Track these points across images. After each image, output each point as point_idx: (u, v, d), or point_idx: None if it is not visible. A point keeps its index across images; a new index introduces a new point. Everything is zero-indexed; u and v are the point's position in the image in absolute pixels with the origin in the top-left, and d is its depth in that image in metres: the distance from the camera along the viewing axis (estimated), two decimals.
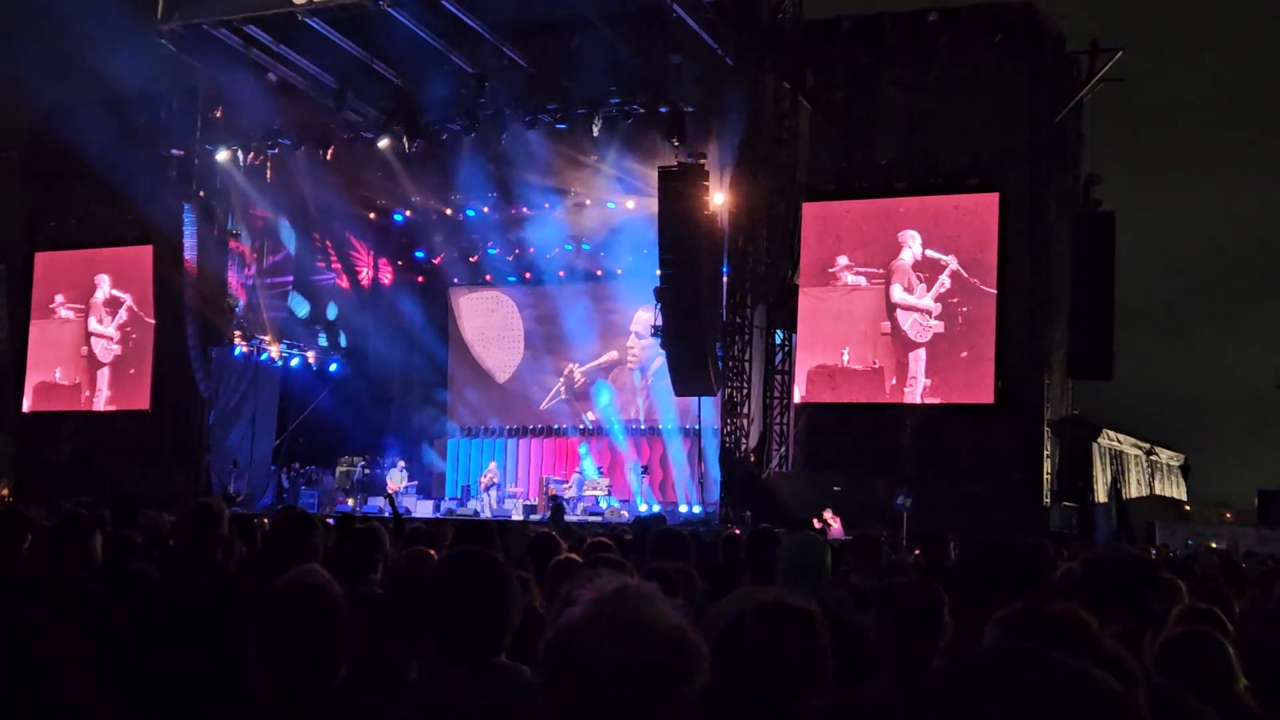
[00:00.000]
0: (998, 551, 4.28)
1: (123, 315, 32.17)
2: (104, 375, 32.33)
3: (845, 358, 26.35)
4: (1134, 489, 34.90)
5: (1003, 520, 22.08)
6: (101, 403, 32.32)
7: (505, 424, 35.55)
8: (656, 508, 30.00)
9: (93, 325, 32.57)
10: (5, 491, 31.23)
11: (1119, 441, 33.75)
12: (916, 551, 12.49)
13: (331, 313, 34.75)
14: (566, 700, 2.25)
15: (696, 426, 29.07)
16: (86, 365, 32.53)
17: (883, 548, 8.29)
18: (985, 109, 25.53)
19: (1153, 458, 40.47)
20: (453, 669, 3.39)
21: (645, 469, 31.56)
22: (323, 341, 34.63)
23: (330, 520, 12.35)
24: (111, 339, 32.26)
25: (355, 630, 3.55)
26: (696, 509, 29.00)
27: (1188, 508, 45.15)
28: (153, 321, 31.63)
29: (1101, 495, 29.30)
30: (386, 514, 24.80)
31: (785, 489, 26.14)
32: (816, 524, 22.49)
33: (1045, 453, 25.80)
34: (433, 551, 7.45)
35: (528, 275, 34.99)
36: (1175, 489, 45.12)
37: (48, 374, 32.99)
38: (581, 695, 2.23)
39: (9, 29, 28.49)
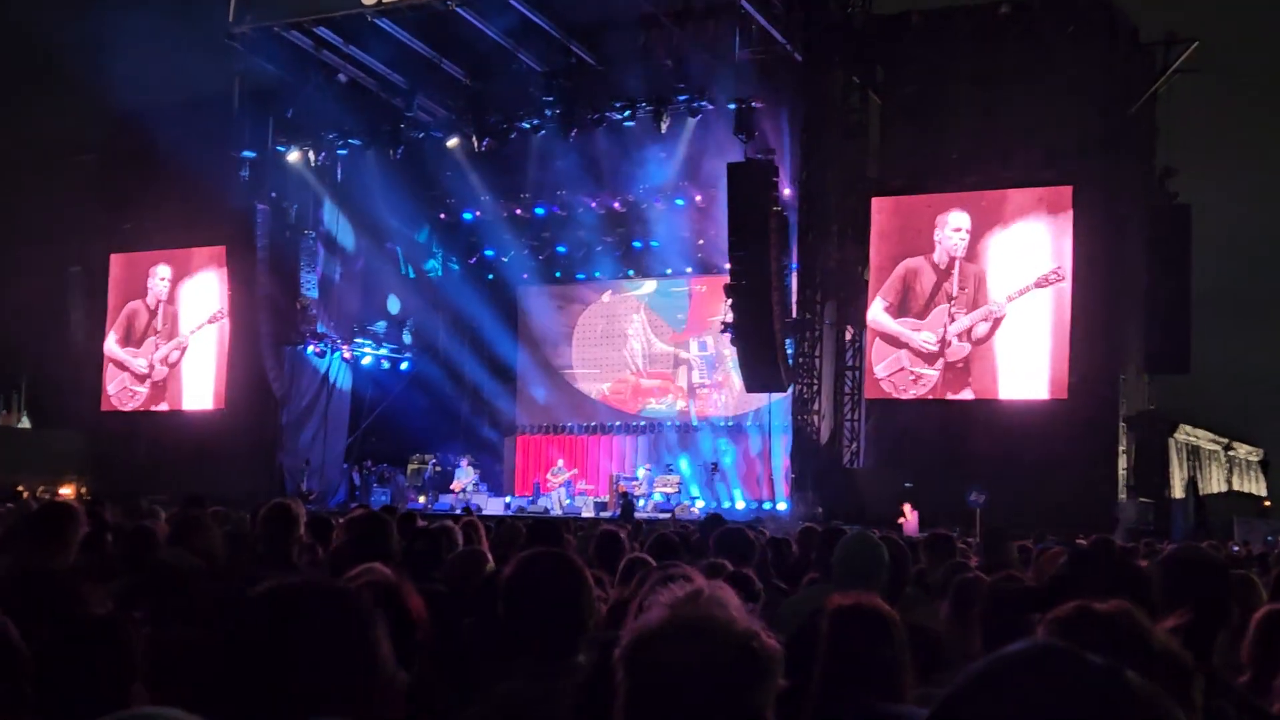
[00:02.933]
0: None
1: (197, 315, 32.52)
2: (178, 375, 32.71)
3: (916, 353, 26.17)
4: (1212, 485, 34.44)
5: (1077, 517, 21.86)
6: (176, 402, 32.70)
7: (575, 421, 35.62)
8: (727, 504, 30.01)
9: (167, 326, 32.94)
10: (84, 490, 31.67)
11: (1196, 436, 33.30)
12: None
13: (401, 311, 34.94)
14: (643, 705, 2.26)
15: (767, 423, 29.01)
16: (161, 365, 32.92)
17: (957, 546, 8.14)
18: (1058, 102, 25.25)
19: (1231, 453, 39.90)
20: (529, 668, 3.39)
21: (715, 466, 31.51)
22: (394, 340, 34.85)
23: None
24: (185, 339, 32.63)
25: (426, 628, 3.55)
26: (767, 505, 28.94)
27: (1267, 504, 44.46)
28: (226, 321, 31.95)
29: (1178, 491, 28.95)
30: (459, 510, 24.96)
31: (857, 485, 26.02)
32: (900, 520, 22.41)
33: (1120, 448, 25.49)
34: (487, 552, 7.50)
35: (597, 274, 35.06)
36: (1254, 484, 44.42)
37: (123, 374, 33.43)
38: (657, 700, 2.23)
39: (83, 35, 28.89)
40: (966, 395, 25.68)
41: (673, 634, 2.25)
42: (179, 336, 32.85)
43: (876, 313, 26.36)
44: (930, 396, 25.86)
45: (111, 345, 33.51)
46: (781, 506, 27.72)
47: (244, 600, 2.33)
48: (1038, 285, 25.27)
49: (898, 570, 5.96)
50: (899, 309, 26.24)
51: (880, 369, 26.33)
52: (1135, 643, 2.80)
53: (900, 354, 26.22)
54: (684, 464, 32.53)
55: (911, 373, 26.04)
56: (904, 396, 26.13)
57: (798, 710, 2.76)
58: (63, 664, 2.98)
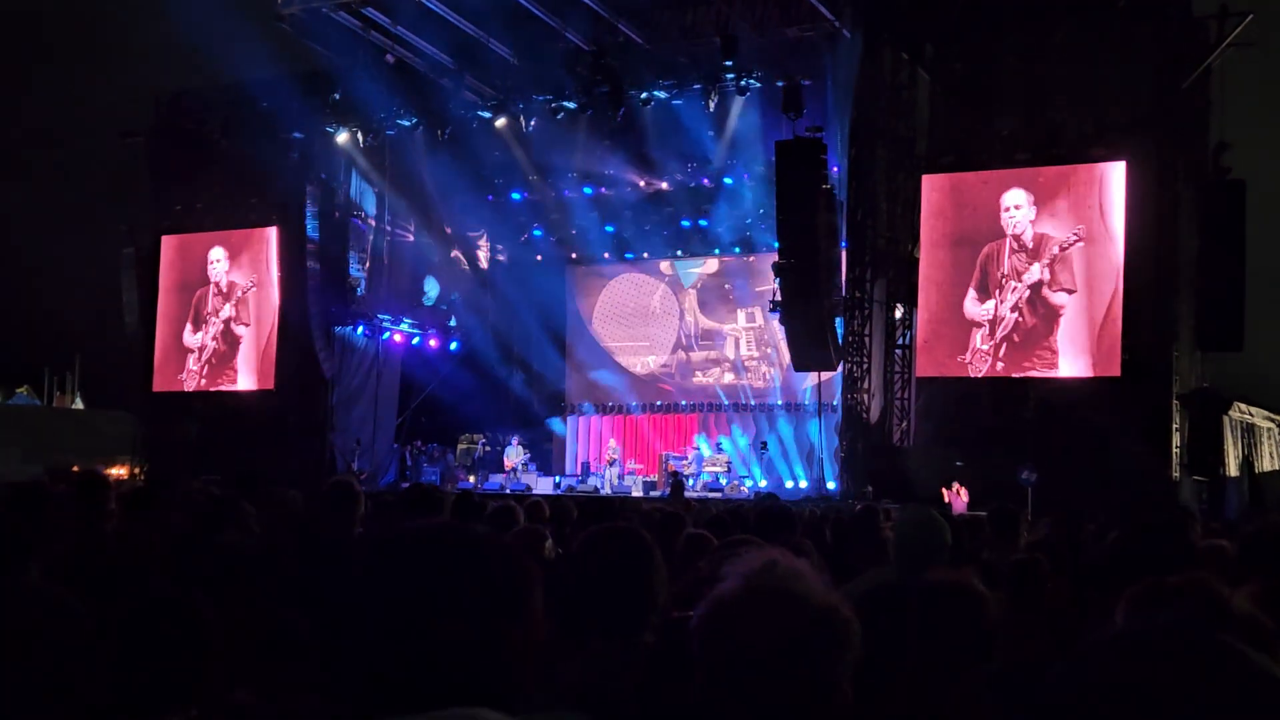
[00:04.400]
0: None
1: (247, 297, 32.67)
2: (230, 356, 32.86)
3: (991, 329, 25.95)
4: (1267, 463, 34.06)
5: (1130, 495, 21.68)
6: (227, 383, 32.88)
7: (624, 400, 35.66)
8: (780, 483, 29.97)
9: (218, 307, 33.12)
10: (139, 471, 31.95)
11: (1251, 414, 32.94)
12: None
13: (452, 292, 35.05)
14: (719, 675, 2.25)
15: (816, 402, 28.93)
16: (212, 346, 33.09)
17: (1021, 523, 7.98)
18: (1109, 76, 24.95)
19: None
20: (594, 648, 3.36)
21: (765, 445, 31.46)
22: (443, 320, 34.98)
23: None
24: (236, 320, 32.79)
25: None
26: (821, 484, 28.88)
27: None
28: (277, 302, 32.07)
29: (1233, 469, 28.66)
30: (509, 490, 25.03)
31: (907, 464, 25.91)
32: (946, 497, 22.32)
33: (1174, 426, 25.21)
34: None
35: (645, 254, 35.05)
36: None
37: (175, 355, 33.61)
38: (734, 670, 2.22)
39: (132, 18, 29.08)
40: (1032, 371, 25.43)
41: (750, 605, 2.23)
42: (231, 318, 32.96)
43: (969, 305, 26.03)
44: (1006, 374, 25.57)
45: (186, 337, 33.54)
46: (831, 485, 27.64)
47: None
48: (1061, 248, 25.01)
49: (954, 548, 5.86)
50: (981, 296, 25.99)
51: (965, 355, 26.06)
52: (1214, 614, 2.78)
53: (978, 333, 25.95)
54: (733, 442, 32.52)
55: (979, 350, 25.79)
56: (981, 374, 25.86)
57: (875, 681, 2.75)
58: (137, 644, 2.97)
